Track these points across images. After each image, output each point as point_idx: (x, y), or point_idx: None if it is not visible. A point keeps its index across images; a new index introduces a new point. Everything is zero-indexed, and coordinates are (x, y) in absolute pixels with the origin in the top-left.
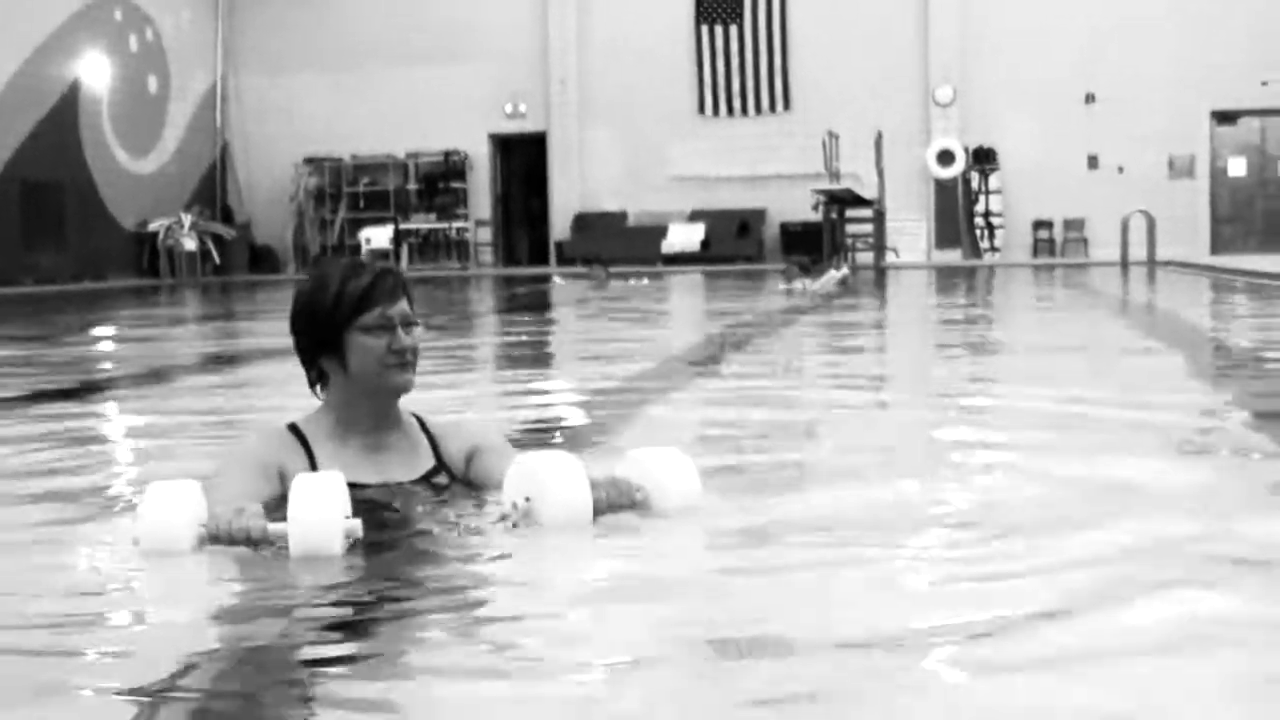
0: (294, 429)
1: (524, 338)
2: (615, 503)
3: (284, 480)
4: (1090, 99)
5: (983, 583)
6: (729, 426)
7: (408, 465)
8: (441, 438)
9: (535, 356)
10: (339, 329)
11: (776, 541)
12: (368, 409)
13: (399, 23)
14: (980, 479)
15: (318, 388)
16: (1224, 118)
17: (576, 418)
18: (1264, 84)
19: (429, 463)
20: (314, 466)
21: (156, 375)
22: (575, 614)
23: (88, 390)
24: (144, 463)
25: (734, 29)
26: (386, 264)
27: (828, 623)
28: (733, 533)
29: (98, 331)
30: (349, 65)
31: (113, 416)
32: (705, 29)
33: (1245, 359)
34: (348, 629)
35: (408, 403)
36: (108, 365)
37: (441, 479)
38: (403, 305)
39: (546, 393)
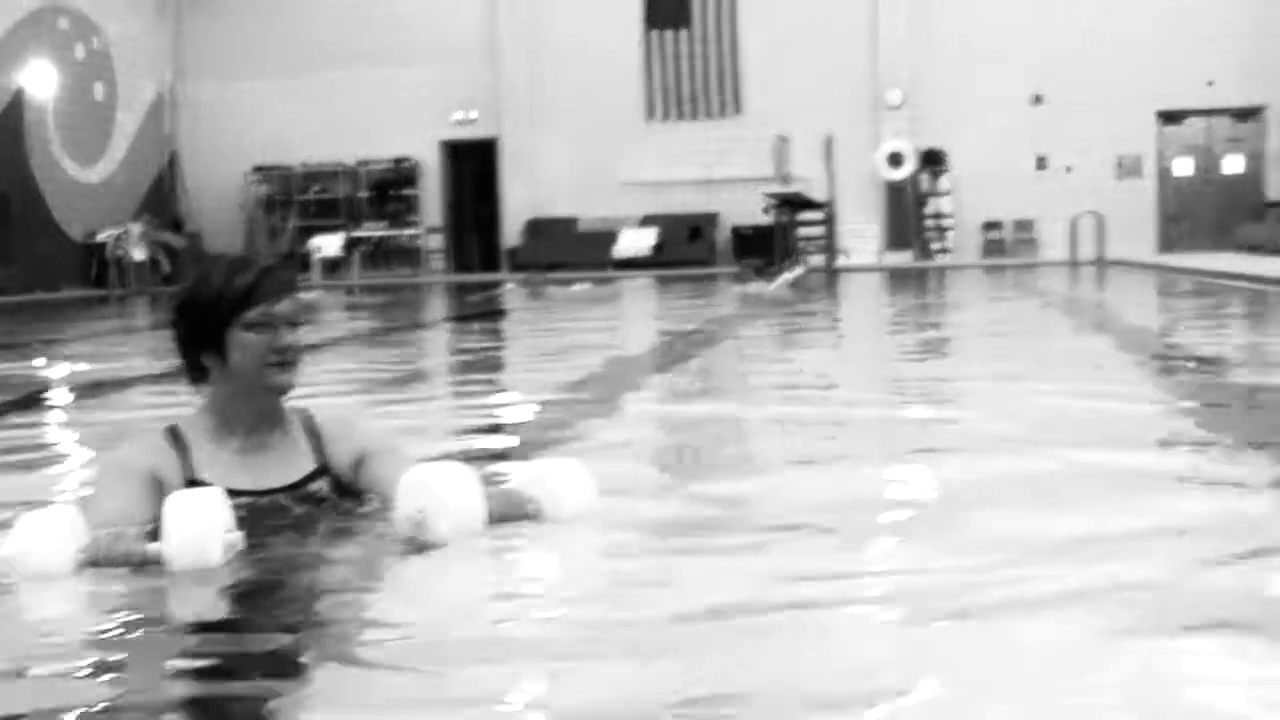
0: (172, 431)
1: (471, 345)
2: (508, 514)
3: (163, 487)
4: (1038, 100)
5: (905, 581)
6: (672, 429)
7: (287, 468)
8: (329, 439)
9: (480, 363)
10: (221, 325)
11: (700, 536)
12: (248, 408)
13: (349, 30)
14: (921, 482)
15: (198, 386)
16: (1170, 118)
17: (516, 426)
18: (1209, 84)
19: (311, 465)
20: (190, 470)
21: (98, 387)
22: (466, 628)
23: (25, 404)
24: (77, 476)
25: (683, 34)
26: (273, 261)
27: (741, 629)
28: (635, 534)
29: (39, 343)
30: (299, 72)
31: (51, 429)
32: (654, 34)
33: (1189, 356)
34: (236, 658)
35: (304, 402)
36: (49, 376)
37: (322, 484)
38: (288, 304)
39: (490, 402)
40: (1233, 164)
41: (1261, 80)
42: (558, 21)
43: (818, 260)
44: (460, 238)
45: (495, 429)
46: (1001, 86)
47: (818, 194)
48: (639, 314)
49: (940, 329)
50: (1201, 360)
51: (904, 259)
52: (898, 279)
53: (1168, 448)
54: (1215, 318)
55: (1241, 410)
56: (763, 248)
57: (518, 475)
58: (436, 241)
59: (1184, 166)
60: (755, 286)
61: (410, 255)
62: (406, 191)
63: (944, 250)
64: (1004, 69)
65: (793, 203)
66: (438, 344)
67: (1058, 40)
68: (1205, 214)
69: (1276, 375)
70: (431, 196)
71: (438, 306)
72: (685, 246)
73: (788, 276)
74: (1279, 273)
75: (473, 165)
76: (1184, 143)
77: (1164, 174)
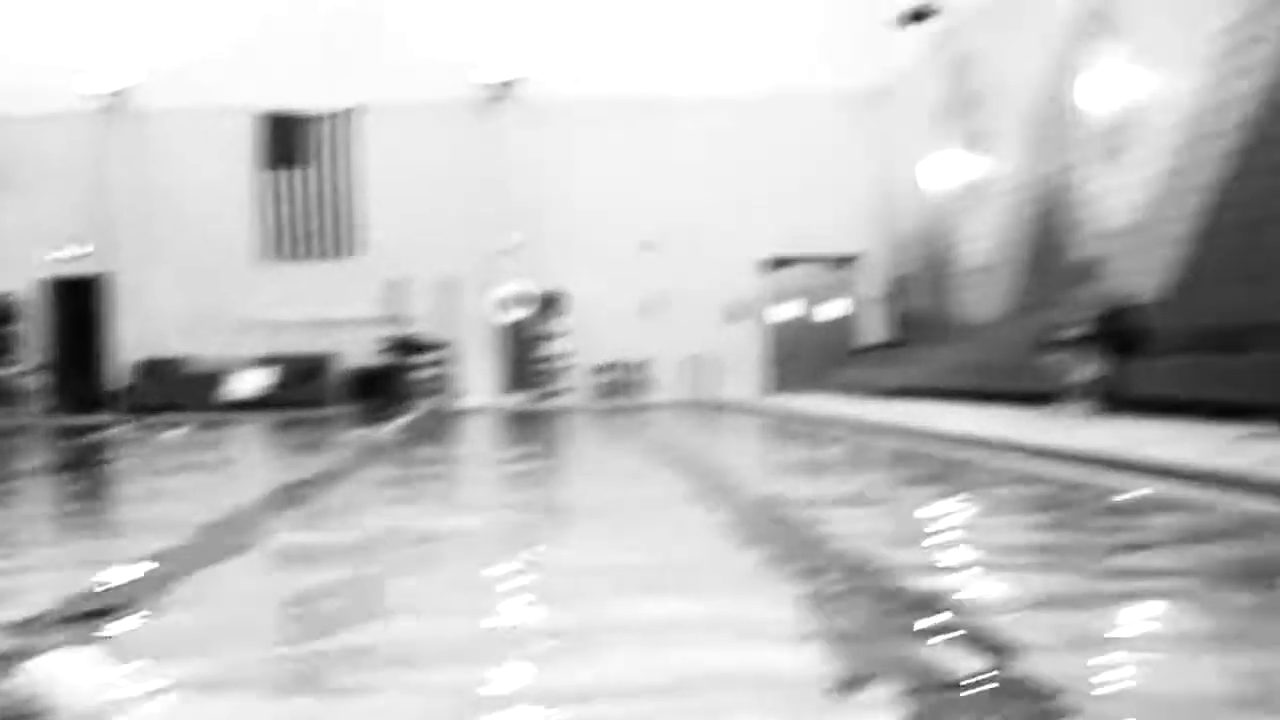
0: None
1: (59, 497)
2: (8, 716)
3: None
4: (650, 246)
5: None
6: (282, 582)
7: None
8: None
9: (64, 520)
10: None
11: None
12: None
13: None
14: (535, 625)
15: None
16: (776, 264)
17: (95, 595)
18: (811, 237)
19: None
20: None
21: None
22: None
23: None
24: None
25: (302, 173)
26: None
27: None
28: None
29: None
30: None
31: None
32: (271, 173)
33: (777, 498)
34: None
35: None
36: None
37: None
38: None
39: (66, 563)
40: (831, 309)
41: (857, 231)
42: (168, 157)
43: (433, 402)
44: (65, 378)
45: (70, 602)
46: (616, 232)
47: (437, 335)
48: (248, 459)
49: (546, 471)
50: (790, 502)
51: (522, 400)
52: (513, 421)
53: (752, 594)
54: (806, 459)
55: (822, 555)
56: (380, 389)
57: (28, 671)
58: (39, 381)
59: (787, 311)
60: (369, 429)
61: (9, 396)
62: (5, 329)
63: (561, 391)
64: (618, 215)
65: (410, 345)
66: (22, 497)
67: (669, 189)
68: (807, 357)
69: (854, 519)
70: (34, 333)
71: (30, 453)
72: (301, 387)
73: (402, 420)
74: (869, 415)
75: (80, 302)
76: (789, 288)
77: (770, 318)
